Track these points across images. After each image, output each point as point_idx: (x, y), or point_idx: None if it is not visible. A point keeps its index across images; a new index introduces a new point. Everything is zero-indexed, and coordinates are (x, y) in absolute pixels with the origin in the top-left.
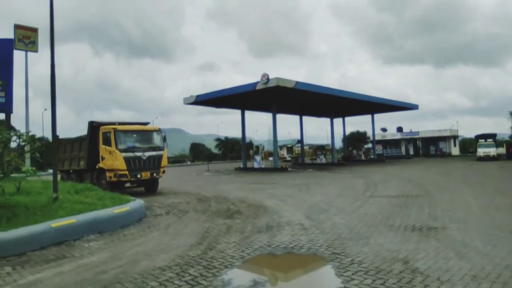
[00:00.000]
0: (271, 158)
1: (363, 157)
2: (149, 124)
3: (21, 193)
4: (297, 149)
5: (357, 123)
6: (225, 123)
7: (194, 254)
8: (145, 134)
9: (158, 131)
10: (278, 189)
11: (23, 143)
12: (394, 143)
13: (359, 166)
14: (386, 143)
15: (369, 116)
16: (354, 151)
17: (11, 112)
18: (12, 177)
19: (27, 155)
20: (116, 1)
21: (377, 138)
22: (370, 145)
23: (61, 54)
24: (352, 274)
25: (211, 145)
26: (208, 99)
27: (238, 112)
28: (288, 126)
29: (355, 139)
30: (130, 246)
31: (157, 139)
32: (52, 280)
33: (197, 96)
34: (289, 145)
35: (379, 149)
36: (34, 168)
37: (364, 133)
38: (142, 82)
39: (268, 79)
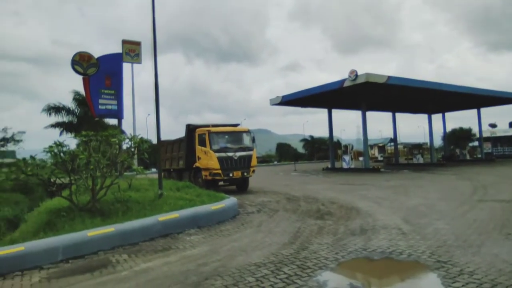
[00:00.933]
0: (361, 158)
1: (468, 157)
2: (238, 126)
3: (132, 189)
4: (389, 148)
5: (460, 119)
6: (310, 123)
7: (287, 253)
8: (236, 135)
9: (248, 132)
10: (371, 190)
11: (134, 145)
12: (507, 140)
13: (463, 166)
14: (496, 140)
15: (473, 111)
16: (457, 150)
17: (122, 117)
18: (125, 175)
19: (136, 156)
20: (205, 11)
21: (484, 135)
22: (476, 143)
23: (159, 64)
24: (462, 286)
25: (297, 145)
26: (293, 99)
27: (323, 111)
28: (379, 124)
29: (458, 137)
30: (226, 241)
31: (246, 140)
32: (161, 268)
33: (283, 97)
34: (380, 144)
35: (487, 147)
36: (142, 168)
37: (469, 130)
38: (230, 85)
39: (356, 76)
